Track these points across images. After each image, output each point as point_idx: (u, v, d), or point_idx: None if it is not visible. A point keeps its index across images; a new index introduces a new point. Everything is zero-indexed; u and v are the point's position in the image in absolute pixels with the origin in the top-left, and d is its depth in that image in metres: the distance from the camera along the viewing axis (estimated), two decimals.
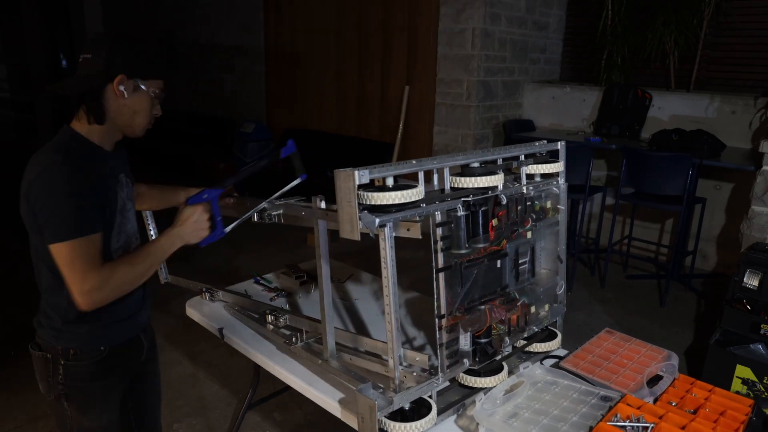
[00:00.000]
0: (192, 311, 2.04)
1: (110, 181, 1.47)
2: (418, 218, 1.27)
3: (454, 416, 1.38)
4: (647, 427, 1.21)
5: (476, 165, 1.41)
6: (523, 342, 1.61)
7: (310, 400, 1.54)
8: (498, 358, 1.46)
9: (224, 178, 1.63)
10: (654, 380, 1.47)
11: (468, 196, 1.36)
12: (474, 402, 1.36)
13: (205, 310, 2.01)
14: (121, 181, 1.53)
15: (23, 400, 2.67)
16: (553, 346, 1.66)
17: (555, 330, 1.72)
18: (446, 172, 1.37)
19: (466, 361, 1.40)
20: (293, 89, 6.56)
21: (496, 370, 1.46)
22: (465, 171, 1.40)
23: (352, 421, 1.36)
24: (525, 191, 1.52)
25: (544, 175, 1.61)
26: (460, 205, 1.33)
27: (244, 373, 2.87)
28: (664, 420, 1.24)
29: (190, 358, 3.08)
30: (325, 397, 1.48)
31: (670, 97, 4.59)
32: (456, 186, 1.38)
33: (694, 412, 1.31)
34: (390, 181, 1.24)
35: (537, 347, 1.64)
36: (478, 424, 1.28)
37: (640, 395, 1.36)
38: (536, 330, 1.62)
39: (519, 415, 1.33)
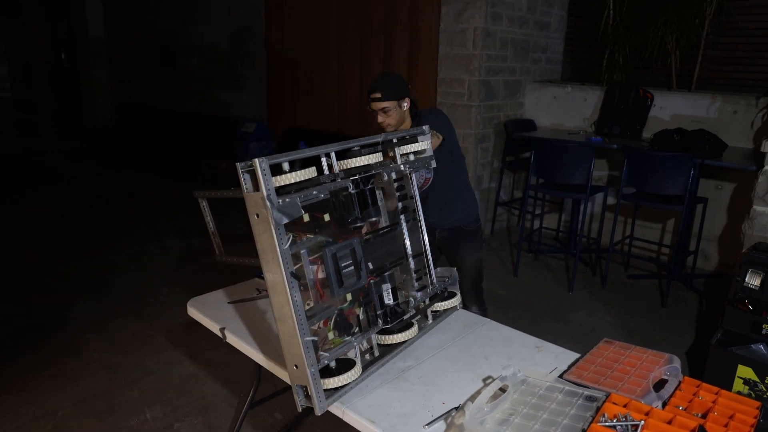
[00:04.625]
0: (193, 311, 2.04)
1: None
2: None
3: (440, 424, 1.39)
4: (637, 425, 1.22)
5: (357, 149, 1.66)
6: (427, 302, 1.84)
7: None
8: (406, 317, 1.69)
9: None
10: (659, 384, 1.47)
11: (355, 175, 1.59)
12: (463, 412, 1.36)
13: (207, 310, 2.01)
14: None
15: (24, 400, 2.67)
16: (454, 302, 1.95)
17: (454, 291, 1.98)
18: (333, 156, 1.57)
19: (379, 321, 1.62)
20: (294, 89, 6.56)
21: (407, 327, 1.72)
22: (348, 154, 1.64)
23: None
24: (403, 168, 1.77)
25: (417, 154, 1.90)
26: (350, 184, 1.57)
27: (246, 373, 2.86)
28: (650, 416, 1.26)
29: (191, 358, 3.08)
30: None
31: (671, 97, 4.58)
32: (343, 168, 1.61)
33: (704, 416, 1.31)
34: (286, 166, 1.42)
35: (440, 306, 1.91)
36: None
37: (648, 400, 1.36)
38: (437, 291, 1.89)
39: (509, 421, 1.33)
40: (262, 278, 2.19)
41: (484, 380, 1.57)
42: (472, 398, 1.39)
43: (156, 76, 8.78)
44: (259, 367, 1.88)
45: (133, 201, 6.39)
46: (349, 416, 1.42)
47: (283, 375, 1.63)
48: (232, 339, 1.83)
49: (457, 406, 1.44)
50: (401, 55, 5.32)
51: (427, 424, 1.37)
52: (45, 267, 4.32)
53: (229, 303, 2.06)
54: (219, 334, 1.88)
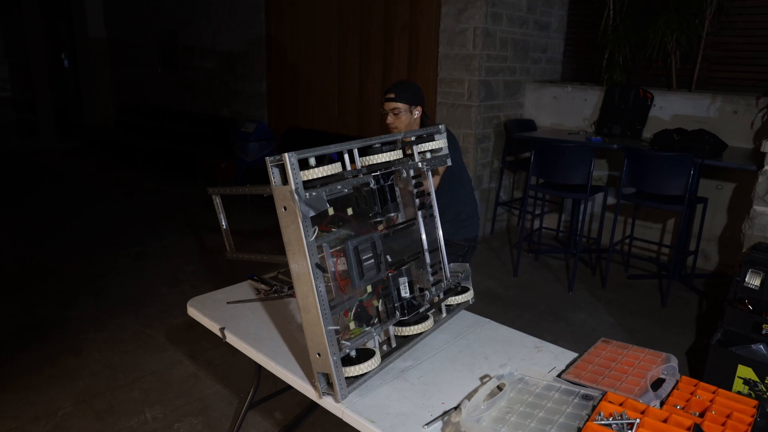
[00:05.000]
0: (193, 311, 2.04)
1: None
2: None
3: (440, 424, 1.39)
4: (632, 423, 1.22)
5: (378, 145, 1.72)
6: (441, 296, 1.85)
7: (312, 399, 1.54)
8: (422, 309, 1.73)
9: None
10: (657, 383, 1.47)
11: (377, 171, 1.65)
12: (460, 410, 1.36)
13: (207, 310, 2.01)
14: None
15: (24, 400, 2.67)
16: (467, 297, 1.94)
17: (467, 286, 1.98)
18: (355, 153, 1.62)
19: (397, 313, 1.65)
20: (294, 89, 6.56)
21: (423, 319, 1.75)
22: (369, 151, 1.69)
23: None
24: (421, 166, 1.80)
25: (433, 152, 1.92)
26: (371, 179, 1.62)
27: (246, 373, 2.87)
28: (646, 414, 1.26)
29: (191, 358, 3.08)
30: (327, 396, 1.48)
31: (671, 97, 4.58)
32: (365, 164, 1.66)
33: (701, 415, 1.31)
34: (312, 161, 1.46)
35: (453, 300, 1.91)
36: None
37: (646, 399, 1.36)
38: (451, 286, 1.90)
39: (505, 419, 1.33)
40: (255, 280, 2.21)
41: (482, 379, 1.57)
42: (469, 396, 1.39)
43: (156, 76, 8.78)
44: (259, 367, 1.88)
45: (133, 201, 6.39)
46: (349, 416, 1.42)
47: (282, 375, 1.64)
48: (232, 339, 1.83)
49: (456, 405, 1.44)
50: (401, 55, 5.32)
51: (426, 424, 1.37)
52: (45, 267, 4.33)
53: (228, 303, 2.07)
54: (219, 334, 1.88)
